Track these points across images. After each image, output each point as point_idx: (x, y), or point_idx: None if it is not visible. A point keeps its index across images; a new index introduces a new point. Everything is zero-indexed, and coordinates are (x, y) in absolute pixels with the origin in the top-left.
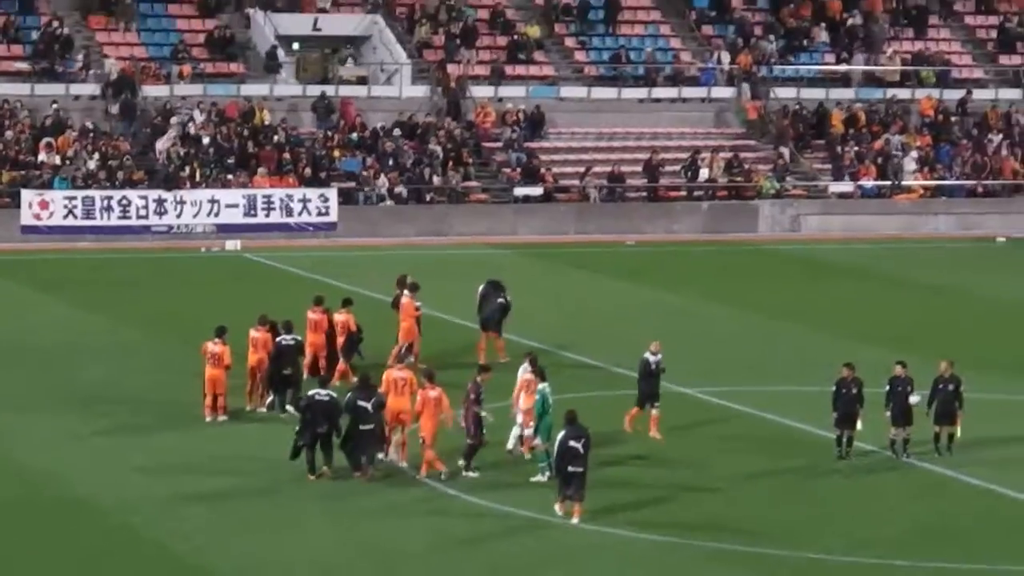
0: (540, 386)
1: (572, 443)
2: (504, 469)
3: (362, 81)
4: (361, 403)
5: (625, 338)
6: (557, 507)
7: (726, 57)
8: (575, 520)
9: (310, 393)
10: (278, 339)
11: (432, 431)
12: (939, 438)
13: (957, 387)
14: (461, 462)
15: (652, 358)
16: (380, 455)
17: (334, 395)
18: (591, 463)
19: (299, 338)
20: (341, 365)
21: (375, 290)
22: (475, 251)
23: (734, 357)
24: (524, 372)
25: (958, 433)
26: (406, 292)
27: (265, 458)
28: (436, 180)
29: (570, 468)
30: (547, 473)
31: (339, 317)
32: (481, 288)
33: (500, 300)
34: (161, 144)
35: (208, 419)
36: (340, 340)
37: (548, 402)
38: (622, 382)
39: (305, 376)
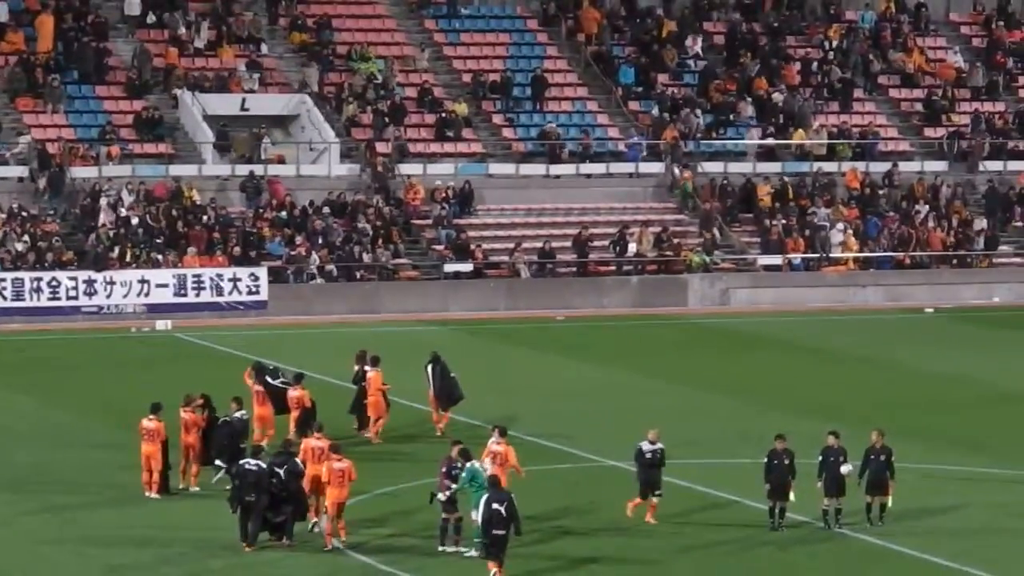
0: (468, 464)
1: (495, 506)
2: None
3: (281, 161)
4: (276, 469)
5: (559, 413)
6: (491, 569)
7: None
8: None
9: (240, 462)
10: (227, 416)
11: (336, 501)
12: (871, 508)
13: (888, 457)
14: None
15: (649, 447)
16: (311, 523)
17: (263, 465)
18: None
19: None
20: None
21: (308, 368)
22: (407, 328)
23: (666, 431)
24: (492, 444)
25: (889, 503)
26: (367, 367)
27: (199, 537)
28: (366, 257)
29: (495, 531)
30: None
31: (293, 393)
32: (430, 365)
33: (453, 375)
34: (101, 219)
35: (147, 494)
36: (295, 415)
37: (479, 479)
38: (556, 456)
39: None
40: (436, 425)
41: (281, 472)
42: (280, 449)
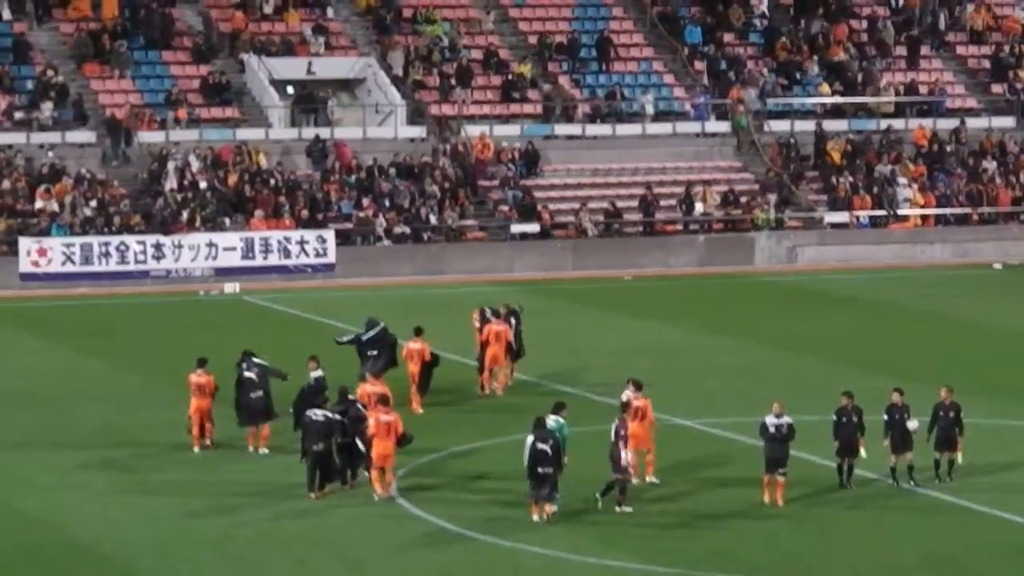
0: (553, 418)
1: (540, 445)
2: (506, 506)
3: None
4: (339, 416)
5: (626, 372)
6: (533, 515)
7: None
8: (550, 517)
9: (307, 412)
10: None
11: (382, 454)
12: (939, 465)
13: (957, 413)
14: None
15: (774, 421)
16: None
17: (329, 415)
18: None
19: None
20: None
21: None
22: (473, 289)
23: (734, 389)
24: (627, 397)
25: (959, 459)
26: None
27: (266, 493)
28: (433, 219)
29: (540, 469)
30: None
31: (413, 346)
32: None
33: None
34: (168, 183)
35: (196, 449)
36: (414, 368)
37: (564, 433)
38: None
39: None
40: (491, 383)
41: (344, 419)
42: (339, 398)
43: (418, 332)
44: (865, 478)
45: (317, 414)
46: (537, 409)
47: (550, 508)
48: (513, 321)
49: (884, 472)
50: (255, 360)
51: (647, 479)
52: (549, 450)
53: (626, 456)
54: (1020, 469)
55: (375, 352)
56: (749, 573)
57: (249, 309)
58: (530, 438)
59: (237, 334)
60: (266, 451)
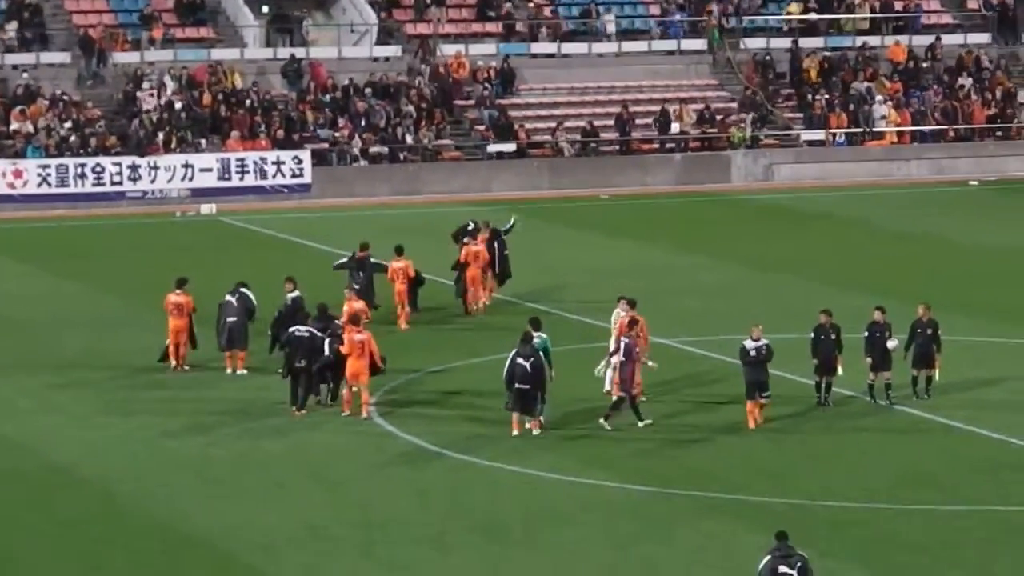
0: (537, 335)
1: (520, 361)
2: (484, 424)
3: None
4: (320, 333)
5: (604, 291)
6: (513, 430)
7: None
8: (535, 432)
9: (291, 329)
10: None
11: (354, 374)
12: (917, 382)
13: (935, 331)
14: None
15: (752, 344)
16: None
17: (314, 331)
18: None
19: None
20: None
21: (349, 250)
22: (450, 209)
23: (712, 307)
24: (619, 315)
25: (936, 376)
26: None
27: (244, 415)
28: (409, 139)
29: (518, 386)
30: (541, 418)
31: (397, 264)
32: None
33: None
34: (144, 104)
35: (172, 365)
36: (401, 287)
37: (548, 347)
38: (603, 334)
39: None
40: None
41: (327, 336)
42: (319, 314)
43: (400, 251)
44: (843, 395)
45: (301, 330)
46: (516, 328)
47: (534, 422)
48: (496, 245)
49: (862, 390)
50: (242, 290)
51: (641, 397)
52: (529, 367)
53: (637, 375)
54: (996, 386)
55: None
56: (726, 491)
57: (225, 230)
58: (512, 352)
59: (214, 255)
60: (244, 372)
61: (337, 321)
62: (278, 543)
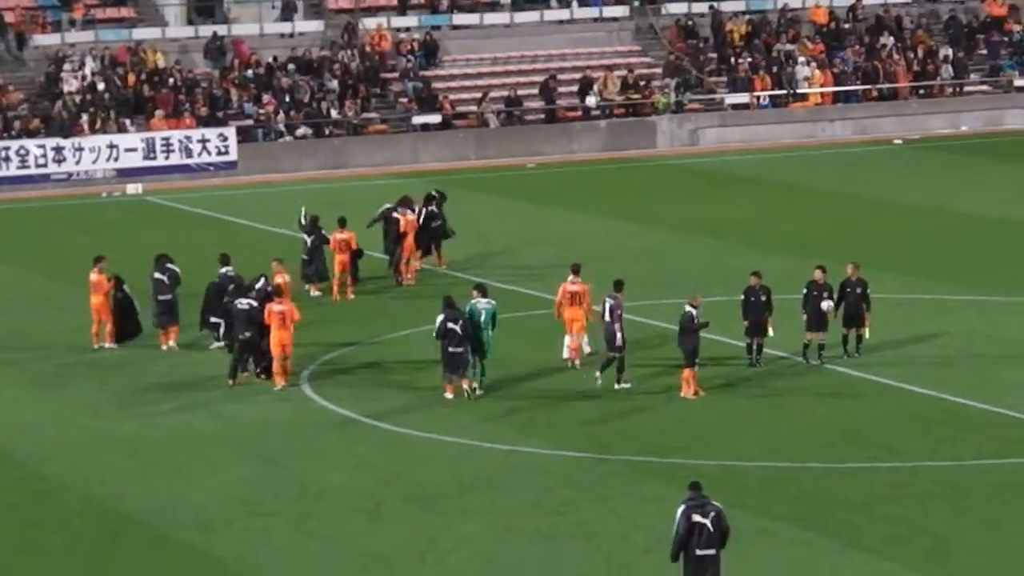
0: (473, 301)
1: (450, 325)
2: (418, 394)
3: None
4: (241, 306)
5: (533, 259)
6: (447, 393)
7: None
8: (468, 389)
9: (234, 301)
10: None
11: (278, 344)
12: (847, 340)
13: (864, 289)
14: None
15: (691, 311)
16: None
17: (254, 303)
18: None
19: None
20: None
21: (280, 226)
22: (377, 181)
23: (642, 272)
24: (568, 284)
25: (866, 335)
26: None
27: (177, 393)
28: (334, 113)
29: (450, 349)
30: (476, 387)
31: (340, 236)
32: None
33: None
34: (66, 86)
35: (95, 346)
36: (342, 257)
37: (480, 317)
38: (535, 303)
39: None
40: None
41: (248, 307)
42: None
43: (342, 223)
44: (774, 357)
45: (243, 303)
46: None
47: (466, 380)
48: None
49: (793, 350)
50: (168, 265)
51: (574, 363)
52: (459, 329)
53: (620, 335)
54: (927, 343)
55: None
56: (660, 455)
57: (153, 209)
58: (440, 317)
59: (142, 235)
60: (174, 346)
61: (259, 287)
62: (213, 520)
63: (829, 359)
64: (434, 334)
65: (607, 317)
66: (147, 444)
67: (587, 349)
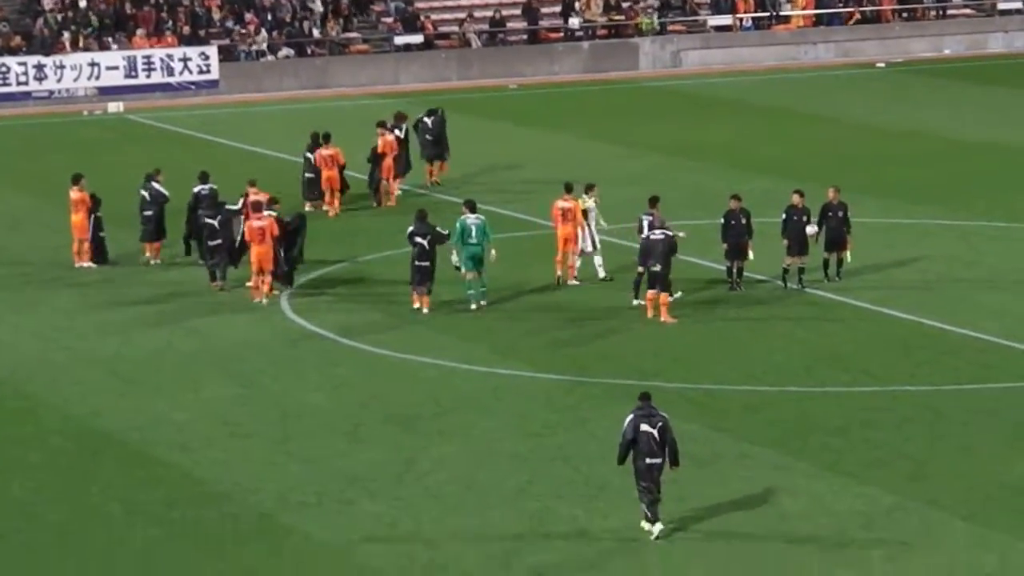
0: (462, 216)
1: (417, 239)
2: (397, 316)
3: None
4: (208, 220)
5: (515, 181)
6: (414, 303)
7: None
8: (424, 310)
9: (198, 213)
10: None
11: (257, 259)
12: (828, 264)
13: (845, 213)
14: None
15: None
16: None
17: (208, 214)
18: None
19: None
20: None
21: (262, 146)
22: (358, 102)
23: (623, 195)
24: (560, 202)
25: (848, 259)
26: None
27: (156, 313)
28: (316, 33)
29: (416, 263)
30: (481, 302)
31: (326, 152)
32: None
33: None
34: (48, 2)
35: (76, 265)
36: (331, 173)
37: (471, 233)
38: (517, 224)
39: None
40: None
41: (215, 222)
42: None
43: (327, 138)
44: (754, 280)
45: (204, 214)
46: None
47: (426, 299)
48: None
49: (773, 274)
50: (152, 183)
51: (571, 281)
52: (426, 244)
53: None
54: (907, 267)
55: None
56: (640, 378)
57: (134, 128)
58: (410, 229)
59: (123, 153)
60: (157, 261)
61: (229, 206)
62: (193, 440)
63: (809, 283)
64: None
65: (644, 232)
66: (127, 363)
67: (601, 273)
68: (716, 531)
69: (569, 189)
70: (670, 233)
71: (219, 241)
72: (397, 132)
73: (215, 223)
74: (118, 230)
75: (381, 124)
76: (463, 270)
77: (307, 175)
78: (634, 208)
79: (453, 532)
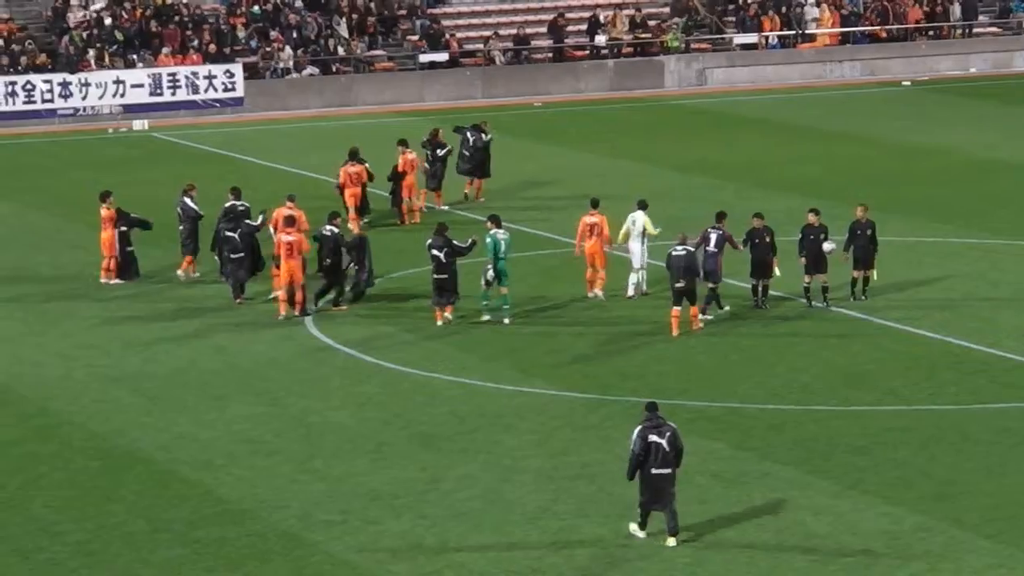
0: (492, 231)
1: (434, 252)
2: (422, 334)
3: None
4: (228, 233)
5: (540, 198)
6: (437, 320)
7: None
8: (449, 316)
9: (217, 228)
10: (322, 229)
11: (287, 273)
12: (856, 283)
13: (872, 231)
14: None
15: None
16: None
17: (228, 228)
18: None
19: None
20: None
21: (285, 163)
22: (383, 120)
23: (650, 213)
24: (586, 217)
25: (874, 277)
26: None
27: (180, 330)
28: (341, 51)
29: (434, 276)
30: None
31: (352, 169)
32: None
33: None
34: (73, 20)
35: (103, 281)
36: (356, 190)
37: (501, 248)
38: (540, 243)
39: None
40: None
41: (236, 235)
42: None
43: (354, 155)
44: (779, 298)
45: (227, 230)
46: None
47: (448, 308)
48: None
49: (798, 292)
50: (184, 198)
51: (594, 293)
52: (442, 256)
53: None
54: (931, 285)
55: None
56: (663, 396)
57: (159, 145)
58: (427, 242)
59: (148, 171)
60: (195, 275)
61: (248, 221)
62: (217, 458)
63: (835, 301)
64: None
65: (712, 247)
66: (151, 380)
67: (630, 292)
68: (741, 549)
69: (595, 204)
70: (691, 249)
71: (241, 255)
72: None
73: (236, 236)
74: (145, 247)
75: (402, 142)
76: (494, 285)
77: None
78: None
79: (477, 550)
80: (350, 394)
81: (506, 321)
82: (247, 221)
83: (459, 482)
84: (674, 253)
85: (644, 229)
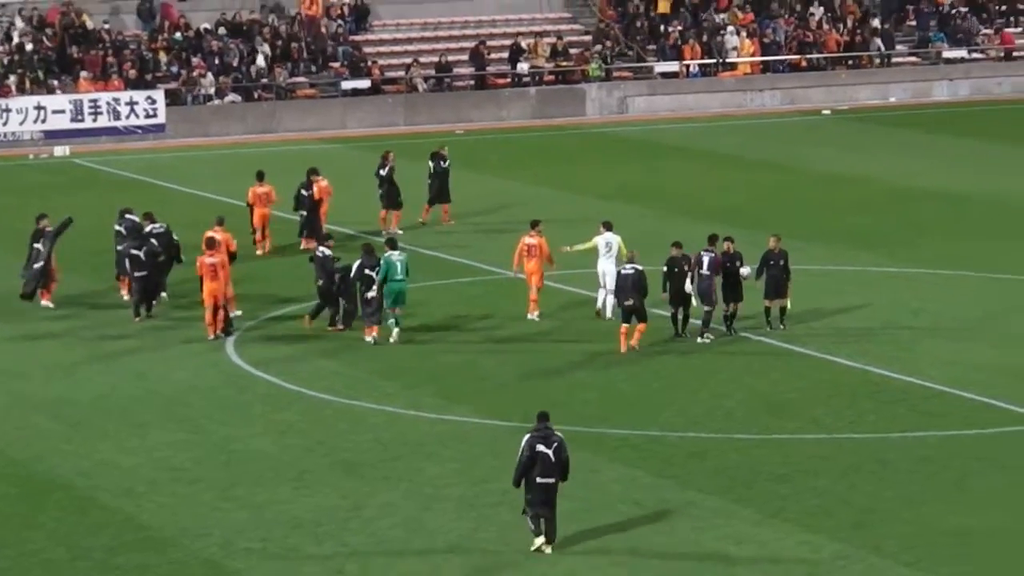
0: (387, 254)
1: (367, 271)
2: (342, 361)
3: None
4: (134, 251)
5: (460, 226)
6: (366, 336)
7: None
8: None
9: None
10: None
11: (210, 296)
12: (770, 312)
13: (786, 261)
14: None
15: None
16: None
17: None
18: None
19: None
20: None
21: (207, 190)
22: (305, 147)
23: (568, 240)
24: (526, 238)
25: (789, 306)
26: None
27: (104, 354)
28: (263, 79)
29: (368, 295)
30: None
31: (260, 189)
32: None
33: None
34: None
35: (44, 303)
36: (264, 211)
37: (397, 269)
38: (461, 271)
39: None
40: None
41: (140, 253)
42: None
43: (261, 177)
44: (698, 327)
45: (132, 247)
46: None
47: (376, 329)
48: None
49: (718, 320)
50: (127, 216)
51: (531, 316)
52: (375, 275)
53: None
54: (852, 314)
55: None
56: (585, 424)
57: (80, 172)
58: (357, 263)
59: (70, 197)
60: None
61: (152, 241)
62: (139, 485)
63: (753, 330)
64: (351, 275)
65: (705, 271)
66: (72, 407)
67: (608, 314)
68: None
69: (535, 225)
70: (640, 268)
71: (145, 272)
72: (382, 172)
73: (140, 254)
74: (66, 272)
75: (313, 171)
76: (385, 306)
77: (301, 213)
78: (571, 254)
79: None
80: (272, 421)
81: (391, 339)
82: (153, 240)
83: (381, 510)
84: (623, 272)
85: (618, 251)
